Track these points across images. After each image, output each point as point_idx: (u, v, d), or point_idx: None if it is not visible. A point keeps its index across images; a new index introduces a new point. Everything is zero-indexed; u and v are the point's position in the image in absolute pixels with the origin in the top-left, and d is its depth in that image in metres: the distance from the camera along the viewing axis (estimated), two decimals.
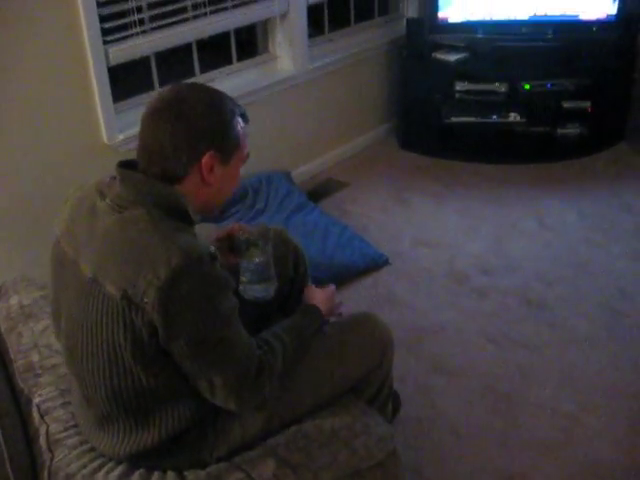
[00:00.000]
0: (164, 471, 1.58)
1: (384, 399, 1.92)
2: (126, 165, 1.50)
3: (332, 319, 1.86)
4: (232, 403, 1.48)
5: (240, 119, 1.55)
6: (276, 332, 1.61)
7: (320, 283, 1.96)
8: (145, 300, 1.34)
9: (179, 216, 1.46)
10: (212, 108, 1.49)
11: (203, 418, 1.57)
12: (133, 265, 1.36)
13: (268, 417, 1.63)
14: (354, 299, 2.86)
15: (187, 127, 1.45)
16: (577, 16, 3.83)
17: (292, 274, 2.04)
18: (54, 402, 1.79)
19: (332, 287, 1.88)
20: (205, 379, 1.45)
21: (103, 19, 2.67)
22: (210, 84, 3.25)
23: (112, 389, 1.48)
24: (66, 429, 1.71)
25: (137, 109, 3.00)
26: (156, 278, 1.33)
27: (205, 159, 1.48)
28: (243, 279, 1.71)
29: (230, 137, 1.52)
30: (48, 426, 1.72)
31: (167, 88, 1.55)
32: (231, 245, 1.81)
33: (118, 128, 2.85)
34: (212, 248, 1.44)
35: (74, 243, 1.50)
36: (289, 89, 3.59)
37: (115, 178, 1.50)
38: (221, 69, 3.37)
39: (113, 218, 1.44)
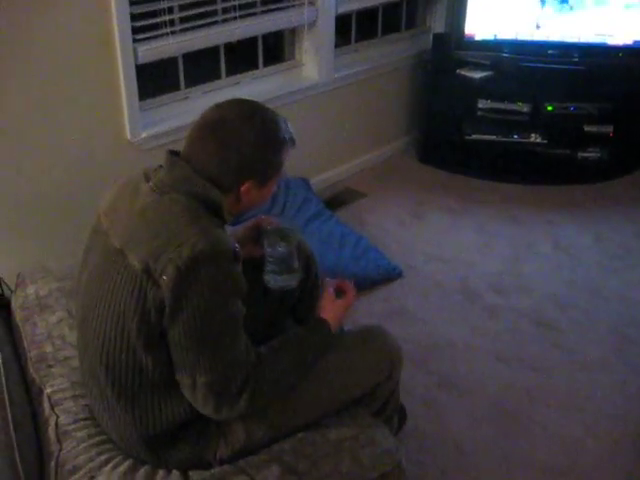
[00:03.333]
0: (169, 470, 1.60)
1: (390, 412, 1.93)
2: (174, 153, 1.56)
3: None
4: (209, 407, 1.48)
5: (290, 146, 1.60)
6: (275, 348, 1.59)
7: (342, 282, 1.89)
8: (163, 276, 1.38)
9: (214, 212, 1.50)
10: (264, 140, 1.54)
11: (203, 415, 1.57)
12: (160, 241, 1.41)
13: (273, 423, 1.64)
14: (366, 310, 2.87)
15: (236, 157, 1.51)
16: (604, 41, 3.83)
17: (304, 276, 2.04)
18: (65, 394, 1.81)
19: (350, 299, 1.81)
20: (190, 375, 1.46)
21: (134, 17, 2.69)
22: (235, 87, 3.33)
23: (114, 366, 1.50)
24: (75, 421, 1.73)
25: (161, 108, 3.04)
26: (178, 257, 1.37)
27: (245, 187, 1.54)
28: (267, 269, 1.75)
29: (273, 167, 1.59)
30: (58, 417, 1.74)
31: (226, 104, 1.57)
32: (257, 237, 1.84)
33: (142, 126, 2.88)
34: (238, 248, 1.47)
35: (112, 216, 1.56)
36: (313, 97, 3.60)
37: (161, 167, 1.57)
38: (247, 73, 3.39)
39: (152, 198, 1.50)
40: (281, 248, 1.74)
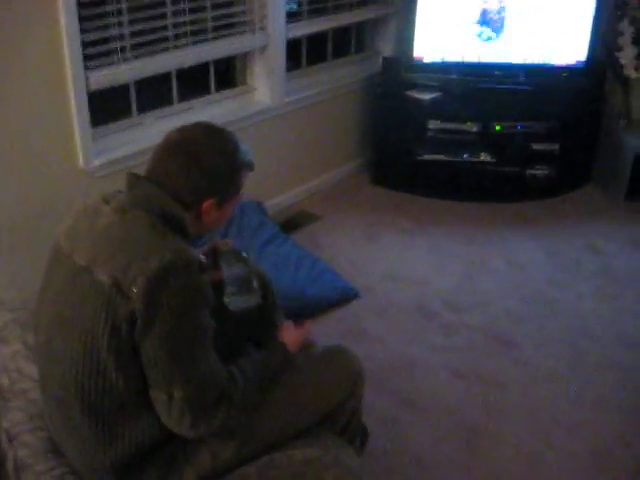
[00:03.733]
0: None
1: (353, 431, 1.94)
2: (135, 174, 1.61)
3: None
4: (186, 422, 1.48)
5: (247, 169, 1.68)
6: (241, 366, 1.62)
7: (296, 318, 2.00)
8: (133, 289, 1.40)
9: (177, 228, 1.54)
10: (226, 161, 1.62)
11: (171, 439, 1.57)
12: (128, 255, 1.44)
13: (239, 445, 1.64)
14: (324, 331, 2.87)
15: (199, 175, 1.57)
16: (548, 61, 3.95)
17: (260, 301, 2.06)
18: (23, 427, 1.77)
19: (307, 327, 1.93)
20: (165, 390, 1.46)
21: (86, 45, 2.68)
22: (188, 113, 3.33)
23: (82, 388, 1.48)
24: (35, 454, 1.70)
25: (114, 135, 3.03)
26: (147, 268, 1.40)
27: (205, 205, 1.60)
28: (227, 291, 1.77)
29: (233, 187, 1.66)
30: (16, 450, 1.70)
31: (190, 126, 1.65)
32: (215, 261, 1.86)
33: (95, 153, 2.86)
34: (203, 258, 1.53)
35: (72, 239, 1.56)
36: (265, 121, 3.63)
37: (119, 192, 1.60)
38: (199, 98, 3.40)
39: (115, 217, 1.52)
40: (238, 269, 1.77)
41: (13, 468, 1.66)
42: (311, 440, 1.72)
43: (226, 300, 1.75)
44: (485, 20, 3.89)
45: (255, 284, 1.81)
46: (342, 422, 1.87)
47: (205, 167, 1.57)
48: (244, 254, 1.82)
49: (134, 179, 1.58)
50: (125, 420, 1.52)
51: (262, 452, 1.67)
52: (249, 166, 1.69)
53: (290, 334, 1.85)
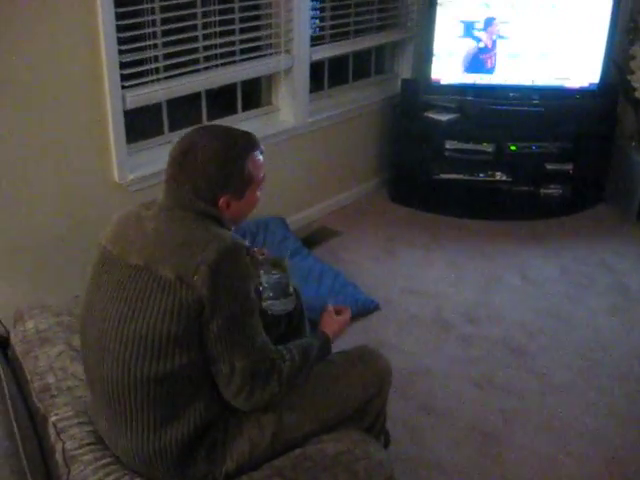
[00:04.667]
0: None
1: (379, 429, 2.04)
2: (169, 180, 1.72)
3: None
4: (244, 391, 1.63)
5: (254, 154, 1.73)
6: (288, 347, 1.76)
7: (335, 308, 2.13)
8: (195, 277, 1.54)
9: (215, 220, 1.69)
10: (225, 156, 1.68)
11: (214, 426, 1.69)
12: (184, 251, 1.58)
13: (275, 434, 1.74)
14: (346, 342, 2.92)
15: (203, 179, 1.66)
16: (562, 84, 4.07)
17: (291, 312, 2.16)
18: (70, 421, 1.87)
19: (347, 316, 2.09)
20: (228, 362, 1.60)
21: (123, 65, 2.83)
22: None
23: (140, 378, 1.59)
24: (81, 446, 1.79)
25: (147, 152, 3.17)
26: (207, 257, 1.55)
27: (221, 203, 1.70)
28: (265, 296, 1.88)
29: (242, 178, 1.72)
30: (64, 443, 1.80)
31: (188, 135, 1.73)
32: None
33: (129, 169, 3.00)
34: (247, 243, 1.65)
35: (122, 244, 1.68)
36: (289, 140, 3.76)
37: (154, 202, 1.72)
38: (226, 118, 3.53)
39: (161, 217, 1.66)
40: (276, 275, 1.87)
41: (62, 459, 1.77)
42: (340, 436, 1.82)
43: (265, 304, 1.86)
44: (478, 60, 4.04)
45: (291, 289, 1.91)
46: (368, 421, 1.97)
47: (206, 170, 1.66)
48: (280, 260, 1.92)
49: (169, 187, 1.69)
50: (181, 404, 1.63)
51: (294, 446, 1.77)
52: (254, 148, 1.74)
53: (331, 321, 2.01)
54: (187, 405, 1.64)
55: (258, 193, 1.80)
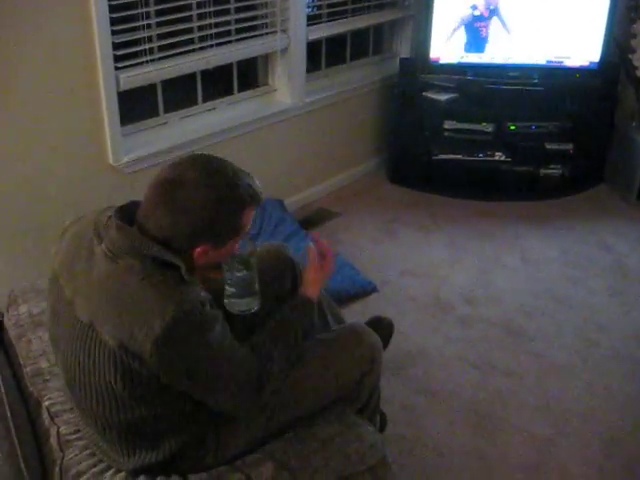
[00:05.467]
0: (169, 474, 1.68)
1: (372, 411, 2.04)
2: (123, 213, 1.54)
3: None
4: (238, 412, 1.65)
5: (252, 209, 1.56)
6: (270, 331, 1.70)
7: None
8: (142, 351, 1.42)
9: (172, 270, 1.49)
10: (218, 205, 1.49)
11: (204, 434, 1.68)
12: (128, 317, 1.43)
13: (268, 418, 1.74)
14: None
15: (186, 223, 1.48)
16: (562, 63, 4.03)
17: (290, 287, 2.13)
18: (63, 406, 1.87)
19: (330, 266, 1.88)
20: (211, 399, 1.58)
21: (116, 46, 2.79)
22: (211, 113, 3.44)
23: (113, 422, 1.58)
24: (75, 432, 1.80)
25: (141, 133, 3.14)
26: (151, 331, 1.40)
27: (198, 251, 1.52)
28: (227, 293, 1.74)
29: (229, 229, 1.55)
30: (59, 427, 1.81)
31: (184, 163, 1.52)
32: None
33: (123, 151, 2.98)
34: (202, 293, 1.50)
35: (72, 284, 1.56)
36: (286, 121, 3.73)
37: (111, 217, 1.54)
38: (223, 99, 3.50)
39: (108, 267, 1.49)
40: (240, 273, 1.77)
41: (57, 443, 1.77)
42: (333, 418, 1.82)
43: (225, 302, 1.73)
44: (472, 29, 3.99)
45: (257, 288, 1.82)
46: (361, 401, 1.97)
47: (192, 214, 1.48)
48: (247, 257, 1.80)
49: (119, 224, 1.50)
50: (162, 435, 1.62)
51: (289, 426, 1.77)
52: (253, 201, 1.55)
53: (316, 278, 1.84)
54: (169, 432, 1.63)
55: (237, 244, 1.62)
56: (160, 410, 1.56)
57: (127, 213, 1.54)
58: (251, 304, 1.77)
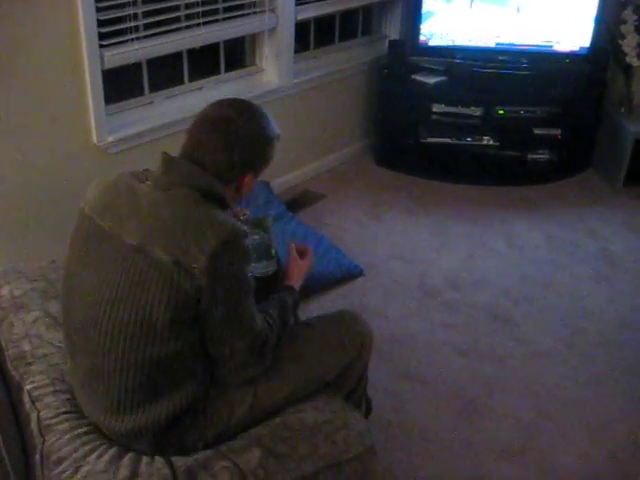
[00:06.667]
0: (152, 457, 1.66)
1: (360, 396, 2.04)
2: (169, 155, 1.66)
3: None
4: (241, 371, 1.66)
5: (277, 140, 1.76)
6: (267, 310, 1.76)
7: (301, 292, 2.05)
8: (194, 265, 1.49)
9: (217, 201, 1.63)
10: (262, 137, 1.71)
11: (198, 400, 1.66)
12: (183, 235, 1.52)
13: (254, 398, 1.73)
14: (329, 307, 2.95)
15: (241, 153, 1.65)
16: (551, 47, 4.01)
17: (272, 279, 2.14)
18: (45, 389, 1.84)
19: (309, 261, 2.03)
20: (229, 344, 1.60)
21: (101, 23, 2.74)
22: (198, 92, 3.39)
23: (133, 360, 1.56)
24: (57, 415, 1.77)
25: (127, 112, 3.09)
26: (207, 246, 1.50)
27: (246, 179, 1.71)
28: None
29: (267, 160, 1.76)
30: (39, 412, 1.78)
31: (226, 102, 1.73)
32: None
33: (108, 130, 2.93)
34: (244, 227, 1.61)
35: (113, 217, 1.61)
36: (273, 101, 3.68)
37: (147, 170, 1.67)
38: (209, 78, 3.45)
39: (158, 194, 1.59)
40: (257, 236, 1.83)
41: (37, 428, 1.74)
42: (320, 405, 1.80)
43: None
44: None
45: (273, 251, 1.87)
46: (349, 387, 1.96)
47: (246, 145, 1.65)
48: (262, 221, 1.88)
49: (170, 160, 1.64)
50: (168, 386, 1.61)
51: (274, 411, 1.76)
52: (278, 137, 1.76)
53: (298, 270, 1.97)
54: (174, 387, 1.62)
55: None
56: (182, 348, 1.57)
57: (171, 156, 1.67)
58: (268, 267, 1.90)
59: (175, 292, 1.50)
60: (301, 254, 2.02)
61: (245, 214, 1.98)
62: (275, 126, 1.75)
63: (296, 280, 1.95)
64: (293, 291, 1.92)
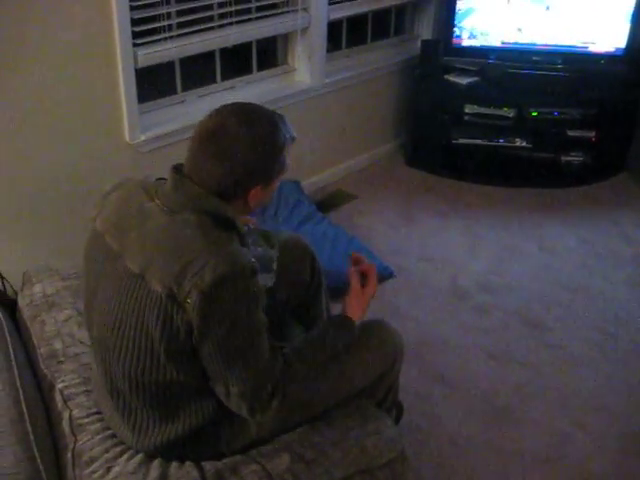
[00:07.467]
0: (182, 461, 1.66)
1: (391, 403, 2.02)
2: (177, 171, 1.55)
3: None
4: (243, 412, 1.55)
5: (289, 145, 1.60)
6: (302, 350, 1.65)
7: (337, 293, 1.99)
8: (187, 300, 1.41)
9: (227, 226, 1.53)
10: (266, 145, 1.53)
11: (222, 416, 1.63)
12: (181, 265, 1.43)
13: (285, 416, 1.70)
14: None
15: (241, 167, 1.51)
16: (587, 48, 3.95)
17: (308, 279, 2.13)
18: (77, 389, 1.86)
19: (373, 287, 1.84)
20: (223, 384, 1.51)
21: (134, 22, 2.75)
22: (230, 91, 3.39)
23: (142, 382, 1.55)
24: (89, 415, 1.78)
25: (159, 111, 3.10)
26: (201, 281, 1.40)
27: (252, 192, 1.56)
28: None
29: (276, 168, 1.58)
30: (71, 411, 1.79)
31: (222, 111, 1.55)
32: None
33: (141, 129, 2.93)
34: (254, 261, 1.49)
35: (121, 238, 1.55)
36: (305, 101, 3.68)
37: (160, 180, 1.59)
38: (241, 78, 3.45)
39: (164, 219, 1.51)
40: (260, 248, 1.77)
41: (69, 428, 1.75)
42: (351, 411, 1.79)
43: None
44: None
45: (275, 266, 1.81)
46: (379, 395, 1.94)
47: (245, 157, 1.50)
48: (270, 235, 1.82)
49: (178, 179, 1.53)
50: (183, 407, 1.59)
51: (304, 421, 1.74)
52: (291, 140, 1.60)
53: (359, 301, 1.80)
54: (190, 405, 1.60)
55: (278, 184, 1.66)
56: (185, 377, 1.53)
57: (180, 171, 1.56)
58: (266, 280, 1.78)
59: (169, 324, 1.45)
60: (363, 275, 1.85)
61: (253, 223, 1.90)
62: (287, 130, 1.58)
63: (356, 311, 1.78)
64: (349, 326, 1.76)
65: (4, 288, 2.35)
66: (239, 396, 1.51)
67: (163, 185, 1.57)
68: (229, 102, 1.60)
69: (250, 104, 1.60)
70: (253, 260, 1.49)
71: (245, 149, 1.50)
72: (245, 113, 1.55)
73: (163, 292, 1.43)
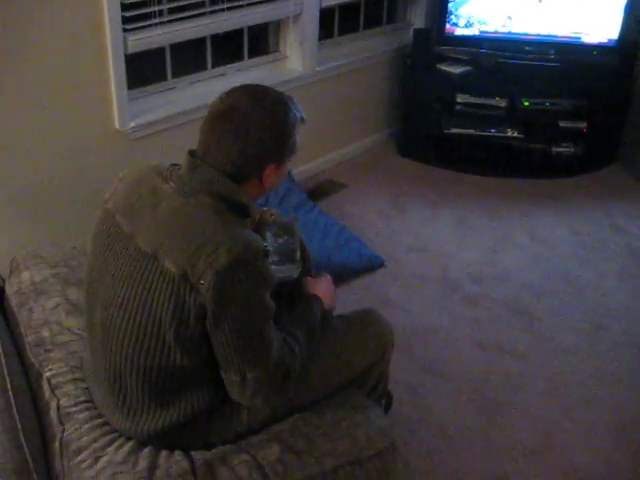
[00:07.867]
0: (172, 450, 1.64)
1: (380, 393, 2.01)
2: (194, 154, 1.57)
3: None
4: (259, 400, 1.55)
5: (300, 124, 1.61)
6: (291, 331, 1.65)
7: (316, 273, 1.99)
8: (201, 281, 1.41)
9: (240, 211, 1.54)
10: (278, 124, 1.55)
11: (215, 406, 1.63)
12: (196, 247, 1.43)
13: (276, 406, 1.69)
14: (349, 298, 2.92)
15: (254, 146, 1.52)
16: (579, 39, 3.94)
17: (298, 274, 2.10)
18: (65, 377, 1.83)
19: (328, 277, 1.91)
20: (239, 372, 1.50)
21: (124, 7, 2.71)
22: (221, 78, 3.36)
23: (144, 365, 1.53)
24: (77, 404, 1.76)
25: (149, 98, 3.08)
26: (216, 261, 1.40)
27: (266, 172, 1.57)
28: (269, 260, 1.75)
29: (289, 147, 1.60)
30: (59, 400, 1.77)
31: (233, 92, 1.58)
32: (260, 230, 1.84)
33: (130, 115, 2.91)
34: (265, 245, 1.50)
35: (133, 219, 1.56)
36: (296, 89, 3.64)
37: (174, 165, 1.60)
38: (232, 65, 3.42)
39: (179, 201, 1.52)
40: (282, 240, 1.77)
41: (57, 417, 1.73)
42: (341, 401, 1.78)
43: None
44: None
45: (298, 255, 1.81)
46: (370, 385, 1.94)
47: (257, 138, 1.52)
48: (290, 224, 1.82)
49: (193, 162, 1.54)
50: (179, 394, 1.58)
51: (294, 411, 1.73)
52: (301, 121, 1.62)
53: (317, 287, 1.84)
54: (187, 393, 1.58)
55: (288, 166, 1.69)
56: (189, 362, 1.52)
57: (195, 154, 1.57)
58: (291, 271, 1.81)
59: (181, 306, 1.44)
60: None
61: (272, 214, 1.91)
62: (298, 110, 1.61)
63: (323, 292, 1.82)
64: (317, 302, 1.78)
65: None
66: (256, 381, 1.51)
67: (177, 169, 1.58)
68: (237, 84, 1.62)
69: (260, 85, 1.64)
70: (265, 244, 1.52)
71: (258, 127, 1.52)
72: (256, 93, 1.58)
73: (176, 272, 1.43)
